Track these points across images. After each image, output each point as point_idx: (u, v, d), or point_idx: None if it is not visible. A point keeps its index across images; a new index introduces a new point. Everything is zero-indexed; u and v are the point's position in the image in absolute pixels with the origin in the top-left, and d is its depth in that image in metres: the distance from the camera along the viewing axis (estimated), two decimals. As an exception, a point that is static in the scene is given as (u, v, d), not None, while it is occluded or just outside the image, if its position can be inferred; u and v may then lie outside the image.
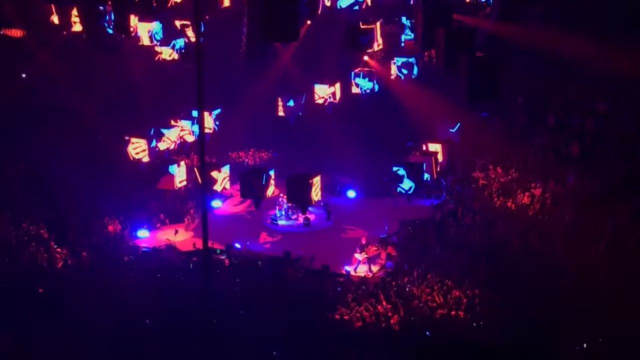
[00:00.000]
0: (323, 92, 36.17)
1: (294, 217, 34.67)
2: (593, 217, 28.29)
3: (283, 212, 34.72)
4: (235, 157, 40.58)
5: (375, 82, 35.27)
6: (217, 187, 31.82)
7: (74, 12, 31.76)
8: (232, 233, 33.32)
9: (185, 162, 33.58)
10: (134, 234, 32.56)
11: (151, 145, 33.45)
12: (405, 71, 34.23)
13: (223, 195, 36.28)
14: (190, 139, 36.00)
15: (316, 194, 28.92)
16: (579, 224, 28.26)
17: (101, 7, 26.35)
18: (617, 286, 23.75)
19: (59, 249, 28.58)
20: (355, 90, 35.38)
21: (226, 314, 23.76)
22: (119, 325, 23.51)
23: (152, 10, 26.42)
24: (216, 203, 35.91)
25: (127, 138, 33.32)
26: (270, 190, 29.77)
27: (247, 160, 40.67)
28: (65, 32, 34.18)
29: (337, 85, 36.14)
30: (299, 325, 24.05)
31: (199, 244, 27.78)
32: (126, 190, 34.20)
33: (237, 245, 31.43)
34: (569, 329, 22.43)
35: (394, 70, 34.65)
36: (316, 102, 35.99)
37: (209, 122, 35.86)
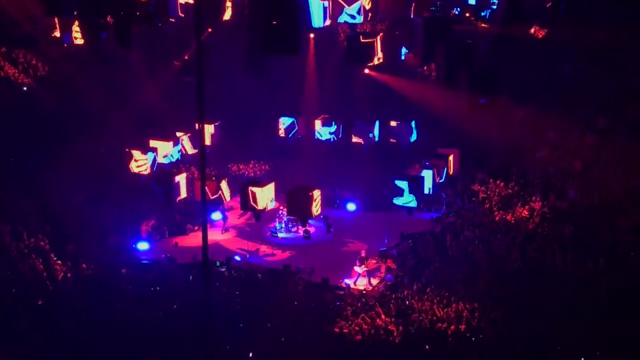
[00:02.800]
0: (324, 132, 36.95)
1: (294, 229, 34.69)
2: (592, 232, 28.32)
3: (283, 225, 34.74)
4: (235, 169, 40.62)
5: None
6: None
7: (75, 25, 31.89)
8: (232, 245, 33.37)
9: (185, 174, 33.60)
10: (133, 245, 32.56)
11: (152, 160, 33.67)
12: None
13: (223, 208, 36.37)
14: (191, 151, 36.32)
15: (316, 208, 29.01)
16: (579, 238, 28.28)
17: (102, 20, 26.40)
18: (616, 300, 23.75)
19: (58, 261, 28.55)
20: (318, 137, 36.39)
21: (226, 326, 23.76)
22: (118, 338, 23.50)
23: (153, 24, 26.47)
24: (216, 215, 35.91)
25: (127, 150, 33.50)
26: (271, 204, 29.91)
27: (247, 172, 40.72)
28: (66, 45, 34.29)
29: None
30: (299, 337, 24.04)
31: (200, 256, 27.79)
32: (126, 202, 34.18)
33: (237, 258, 31.44)
34: (568, 342, 22.42)
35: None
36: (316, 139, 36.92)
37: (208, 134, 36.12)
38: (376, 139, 37.21)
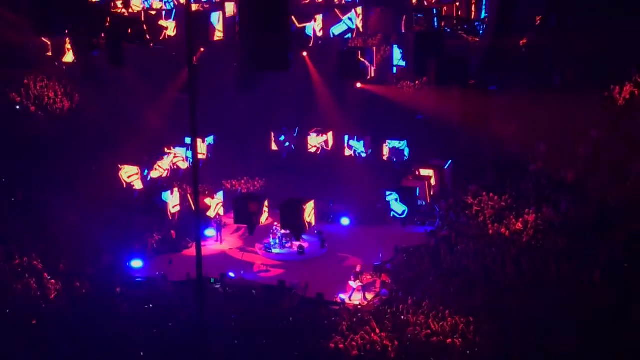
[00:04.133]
0: (315, 141, 36.97)
1: (288, 245, 34.63)
2: (587, 244, 28.30)
3: (277, 241, 34.67)
4: (229, 186, 40.58)
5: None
6: (211, 213, 32.17)
7: (67, 43, 31.96)
8: (226, 262, 33.30)
9: (178, 190, 33.61)
10: (127, 263, 32.44)
11: (144, 174, 33.64)
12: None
13: (218, 225, 36.37)
14: (183, 165, 36.39)
15: (310, 220, 29.01)
16: (573, 250, 28.26)
17: (94, 39, 26.44)
18: (612, 312, 23.72)
19: (52, 280, 28.44)
20: (348, 152, 36.71)
21: (221, 343, 23.67)
22: (112, 357, 23.41)
23: (145, 42, 26.51)
24: (210, 232, 35.88)
25: (120, 166, 33.53)
26: (264, 218, 29.89)
27: (240, 188, 40.68)
28: (57, 63, 34.33)
29: (330, 134, 36.97)
30: (294, 354, 23.97)
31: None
32: (120, 220, 34.11)
33: (232, 274, 31.36)
34: (564, 355, 22.39)
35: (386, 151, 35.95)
36: (309, 151, 36.90)
37: (202, 148, 36.18)
38: (369, 151, 37.26)
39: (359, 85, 37.61)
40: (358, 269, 30.28)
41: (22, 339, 24.40)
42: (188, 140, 35.35)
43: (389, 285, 29.85)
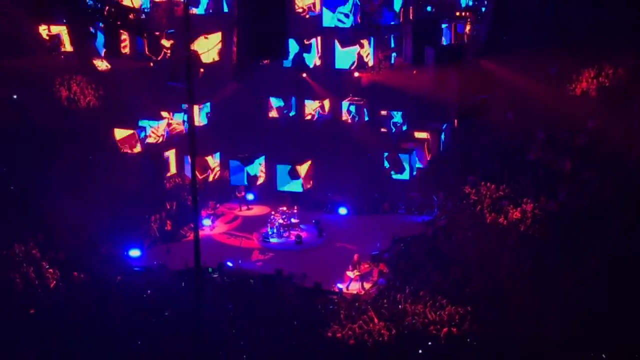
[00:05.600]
0: (311, 108, 36.76)
1: (285, 234, 34.70)
2: (584, 233, 28.35)
3: (275, 230, 34.73)
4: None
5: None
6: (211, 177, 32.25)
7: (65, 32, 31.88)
8: (224, 251, 33.33)
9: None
10: (126, 253, 32.46)
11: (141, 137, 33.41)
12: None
13: (214, 215, 36.40)
14: (179, 128, 35.92)
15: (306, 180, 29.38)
16: (570, 239, 28.31)
17: (92, 28, 26.41)
18: (609, 301, 23.79)
19: (50, 270, 28.44)
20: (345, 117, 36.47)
21: (218, 332, 23.72)
22: (111, 346, 23.44)
23: (142, 32, 26.49)
24: (206, 222, 35.90)
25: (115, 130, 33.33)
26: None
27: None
28: (54, 52, 34.19)
29: (326, 101, 36.75)
30: (292, 343, 24.04)
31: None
32: (118, 209, 34.07)
33: (229, 264, 31.41)
34: (560, 344, 22.47)
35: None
36: (306, 117, 36.60)
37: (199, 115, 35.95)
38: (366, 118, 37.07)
39: (356, 74, 37.51)
40: (356, 258, 30.33)
41: (21, 328, 24.42)
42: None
43: (386, 275, 29.92)
